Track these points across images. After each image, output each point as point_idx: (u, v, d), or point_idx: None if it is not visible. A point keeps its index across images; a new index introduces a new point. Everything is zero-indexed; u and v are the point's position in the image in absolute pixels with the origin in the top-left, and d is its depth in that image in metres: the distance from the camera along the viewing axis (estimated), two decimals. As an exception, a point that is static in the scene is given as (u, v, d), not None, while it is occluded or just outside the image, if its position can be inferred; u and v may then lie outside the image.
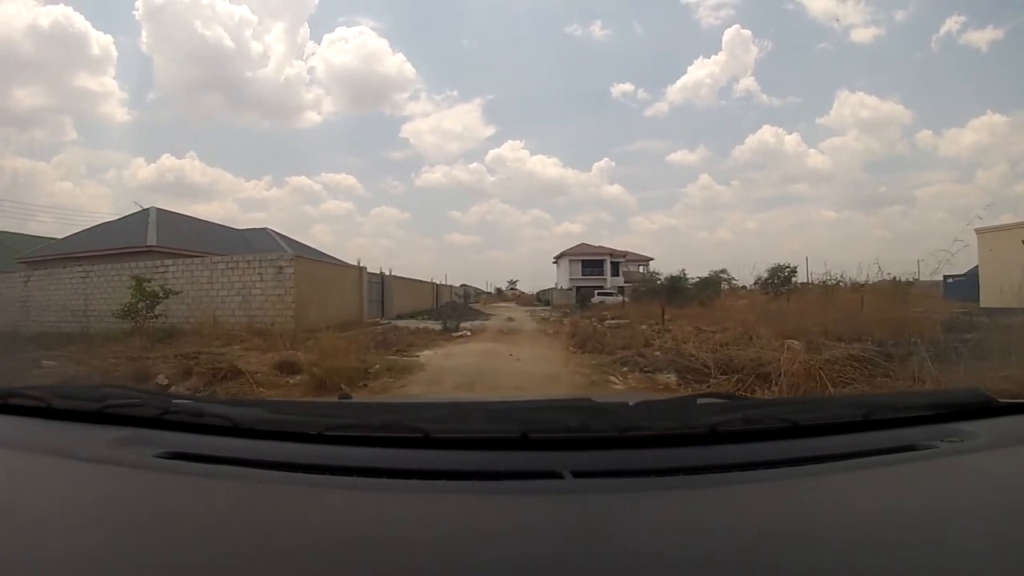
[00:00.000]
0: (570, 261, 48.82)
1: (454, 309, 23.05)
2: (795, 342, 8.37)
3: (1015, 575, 0.52)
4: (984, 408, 0.91)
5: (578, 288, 46.03)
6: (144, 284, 11.88)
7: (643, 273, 48.72)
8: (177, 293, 12.57)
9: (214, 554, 0.54)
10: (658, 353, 8.56)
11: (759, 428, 0.79)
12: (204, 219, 25.83)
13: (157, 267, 14.45)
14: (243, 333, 10.91)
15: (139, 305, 11.72)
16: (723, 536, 0.57)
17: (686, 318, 15.49)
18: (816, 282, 18.19)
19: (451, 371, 6.97)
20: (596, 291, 37.58)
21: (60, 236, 23.38)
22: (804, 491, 0.68)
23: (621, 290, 44.55)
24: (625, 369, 6.89)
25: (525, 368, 7.21)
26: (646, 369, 6.76)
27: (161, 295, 11.92)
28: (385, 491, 0.67)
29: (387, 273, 21.73)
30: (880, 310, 11.01)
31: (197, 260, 14.34)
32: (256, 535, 0.59)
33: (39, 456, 0.79)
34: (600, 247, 50.14)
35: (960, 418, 0.88)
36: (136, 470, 0.73)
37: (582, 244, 51.31)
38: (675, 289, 28.06)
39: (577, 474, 0.69)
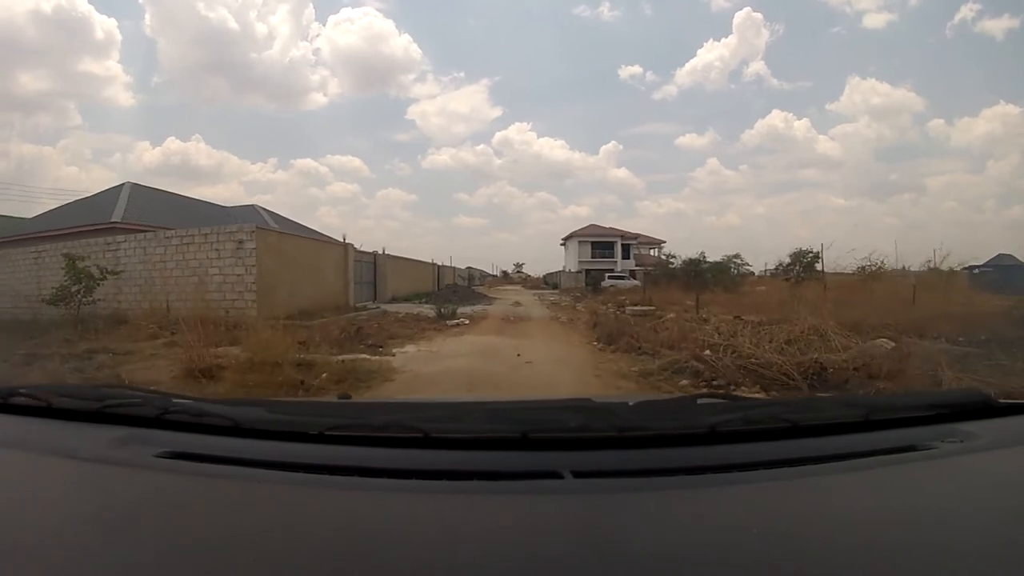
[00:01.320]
0: (579, 243, 46.55)
1: (455, 292, 20.99)
2: (885, 341, 6.39)
3: (1015, 575, 0.51)
4: (984, 408, 0.90)
5: (588, 271, 44.14)
6: (77, 264, 9.86)
7: (656, 256, 47.30)
8: (118, 274, 10.58)
9: (214, 554, 0.54)
10: (708, 352, 6.58)
11: (759, 428, 0.78)
12: (190, 196, 23.82)
13: (108, 244, 12.48)
14: (190, 322, 8.93)
15: (72, 288, 9.76)
16: (723, 536, 0.56)
17: (716, 305, 13.96)
18: (843, 268, 17.60)
19: (432, 381, 4.94)
20: (606, 274, 35.21)
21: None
22: (804, 491, 0.68)
23: (632, 274, 42.59)
24: (685, 382, 4.78)
25: (539, 376, 5.17)
26: (715, 381, 4.66)
27: (99, 276, 9.94)
28: (385, 491, 0.66)
29: (381, 252, 19.64)
30: (930, 301, 9.85)
31: (150, 235, 12.31)
32: (256, 535, 0.58)
33: (39, 456, 0.79)
34: (611, 228, 47.84)
35: (960, 418, 0.87)
36: (136, 470, 0.72)
37: (592, 225, 48.99)
38: (694, 273, 26.01)
39: (577, 474, 0.68)
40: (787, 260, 24.66)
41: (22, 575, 0.50)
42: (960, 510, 0.64)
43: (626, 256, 47.02)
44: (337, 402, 1.40)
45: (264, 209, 27.23)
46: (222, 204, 26.13)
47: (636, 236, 48.73)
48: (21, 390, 0.93)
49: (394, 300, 18.49)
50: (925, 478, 0.72)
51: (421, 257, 29.05)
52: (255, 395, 3.75)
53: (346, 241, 15.56)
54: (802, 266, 23.27)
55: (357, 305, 14.91)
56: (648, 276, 40.70)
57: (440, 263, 32.55)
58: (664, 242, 50.83)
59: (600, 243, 46.51)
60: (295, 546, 0.54)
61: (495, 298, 22.88)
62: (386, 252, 19.87)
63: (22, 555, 0.53)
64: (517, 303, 18.74)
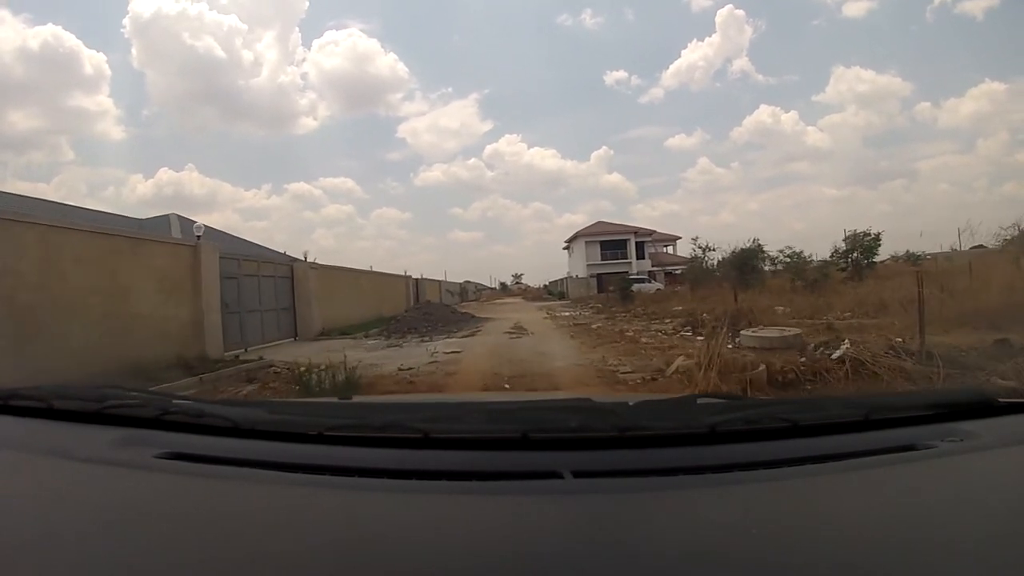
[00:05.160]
0: (586, 243, 39.94)
1: (427, 315, 14.17)
2: None
3: (1015, 575, 0.51)
4: (984, 408, 0.88)
5: (599, 275, 37.60)
6: None
7: (670, 253, 41.53)
8: None
9: (214, 554, 0.54)
10: None
11: (759, 428, 0.77)
12: (85, 207, 17.47)
13: None
14: None
15: None
16: (723, 536, 0.56)
17: (837, 309, 9.55)
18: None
19: None
20: (621, 277, 28.19)
21: None
22: (804, 491, 0.68)
23: (651, 275, 36.13)
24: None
25: None
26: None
27: None
28: (385, 491, 0.66)
29: (302, 259, 12.86)
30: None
31: None
32: (256, 535, 0.58)
33: (39, 456, 0.78)
34: (622, 225, 41.23)
35: (960, 418, 0.85)
36: (136, 470, 0.72)
37: (600, 222, 42.40)
38: (748, 269, 19.45)
39: (577, 474, 0.67)
40: (842, 246, 19.97)
41: (22, 575, 0.50)
42: (960, 510, 0.63)
43: (640, 256, 40.33)
44: (337, 402, 1.35)
45: (185, 218, 20.89)
46: (135, 217, 19.82)
47: (651, 232, 42.10)
48: (21, 391, 0.93)
49: (324, 335, 11.73)
50: (925, 478, 0.71)
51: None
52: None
53: (198, 234, 8.78)
54: (860, 251, 19.39)
55: (225, 356, 8.14)
56: (674, 277, 34.22)
57: (418, 276, 25.71)
58: (679, 238, 45.54)
59: (611, 242, 39.75)
60: (295, 546, 0.54)
61: (487, 318, 16.07)
62: (309, 259, 13.06)
63: (22, 555, 0.53)
64: (519, 327, 11.93)
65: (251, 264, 10.39)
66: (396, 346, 9.44)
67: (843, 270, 18.84)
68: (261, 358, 7.97)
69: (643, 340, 7.84)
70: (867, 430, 0.80)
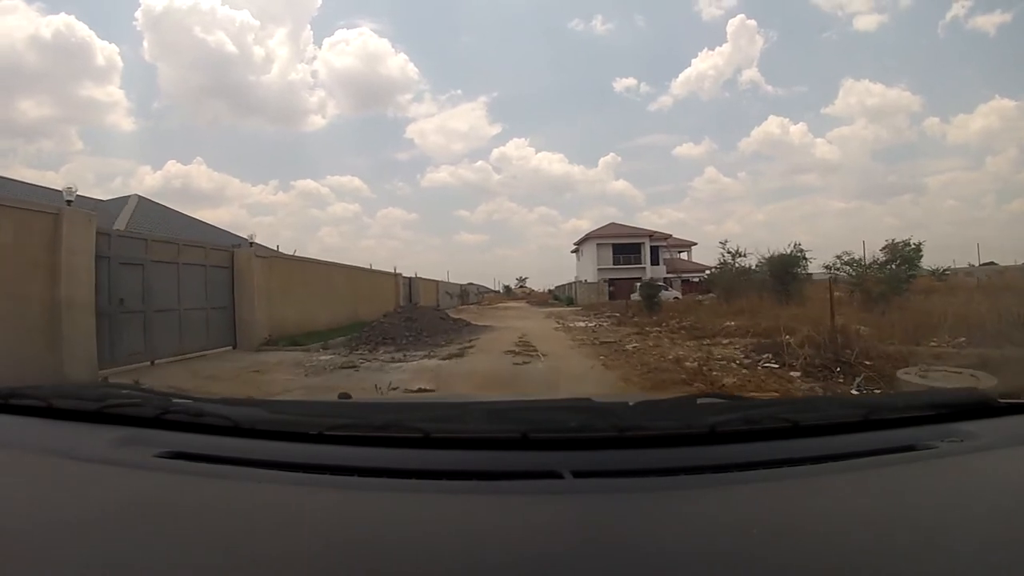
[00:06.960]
0: (598, 246, 37.21)
1: (408, 323, 11.46)
2: None
3: (1015, 575, 0.51)
4: (984, 408, 0.88)
5: (610, 281, 34.94)
6: None
7: (686, 260, 39.05)
8: None
9: (214, 554, 0.54)
10: None
11: (759, 428, 0.77)
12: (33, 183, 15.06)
13: None
14: None
15: None
16: (723, 536, 0.56)
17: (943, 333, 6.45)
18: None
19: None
20: (648, 283, 25.47)
21: None
22: (804, 491, 0.68)
23: (668, 282, 33.41)
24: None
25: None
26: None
27: None
28: (385, 491, 0.66)
29: (248, 244, 10.20)
30: None
31: None
32: (256, 535, 0.58)
33: (39, 456, 0.79)
34: (636, 228, 38.47)
35: (960, 418, 0.85)
36: (136, 470, 0.72)
37: (612, 224, 39.66)
38: (788, 276, 16.78)
39: (577, 474, 0.67)
40: (880, 256, 17.06)
41: (22, 575, 0.50)
42: (960, 510, 0.63)
43: (655, 261, 37.54)
44: (337, 402, 1.32)
45: (150, 200, 18.60)
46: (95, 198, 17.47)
47: (667, 236, 39.32)
48: (21, 390, 0.93)
49: (270, 344, 9.07)
50: (925, 478, 0.71)
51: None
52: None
53: (70, 202, 6.10)
54: (900, 262, 16.73)
55: (99, 375, 5.50)
56: (691, 284, 31.50)
57: (412, 275, 23.02)
58: (695, 244, 43.02)
59: (624, 245, 36.99)
60: (295, 546, 0.54)
61: (486, 327, 13.39)
62: (256, 245, 10.38)
63: (22, 555, 0.53)
64: (525, 344, 9.22)
65: (166, 248, 7.75)
66: (352, 367, 6.76)
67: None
68: (137, 382, 5.33)
69: (724, 379, 5.11)
70: (867, 430, 0.80)
